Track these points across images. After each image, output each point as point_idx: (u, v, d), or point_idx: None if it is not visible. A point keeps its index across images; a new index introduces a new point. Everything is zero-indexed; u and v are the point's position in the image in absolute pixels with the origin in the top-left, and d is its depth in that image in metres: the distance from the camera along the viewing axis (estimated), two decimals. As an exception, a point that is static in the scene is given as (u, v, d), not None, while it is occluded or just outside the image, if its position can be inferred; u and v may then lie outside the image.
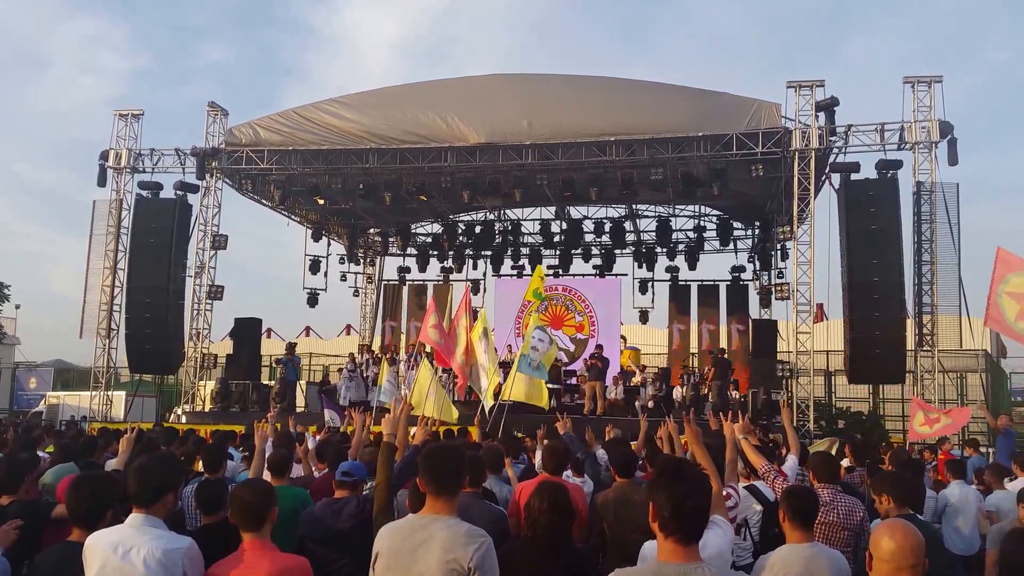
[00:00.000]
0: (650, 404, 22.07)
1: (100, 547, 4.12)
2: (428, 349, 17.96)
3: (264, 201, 26.63)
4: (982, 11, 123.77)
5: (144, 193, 25.25)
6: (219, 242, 25.14)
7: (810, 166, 21.08)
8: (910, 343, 20.80)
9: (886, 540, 3.35)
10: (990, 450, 15.25)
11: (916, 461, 10.86)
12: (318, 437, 11.76)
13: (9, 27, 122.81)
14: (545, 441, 8.70)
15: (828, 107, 21.11)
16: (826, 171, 21.72)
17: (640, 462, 7.84)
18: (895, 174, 21.00)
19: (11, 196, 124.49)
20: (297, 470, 8.14)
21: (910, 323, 20.93)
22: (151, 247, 24.56)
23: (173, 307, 24.79)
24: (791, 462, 7.88)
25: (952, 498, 9.46)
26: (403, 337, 31.28)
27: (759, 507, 6.88)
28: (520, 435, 12.42)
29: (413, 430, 6.71)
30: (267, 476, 6.50)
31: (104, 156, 25.08)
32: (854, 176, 21.24)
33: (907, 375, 20.98)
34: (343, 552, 5.40)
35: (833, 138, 21.25)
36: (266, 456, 6.88)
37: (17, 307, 41.68)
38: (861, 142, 21.39)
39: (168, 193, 25.20)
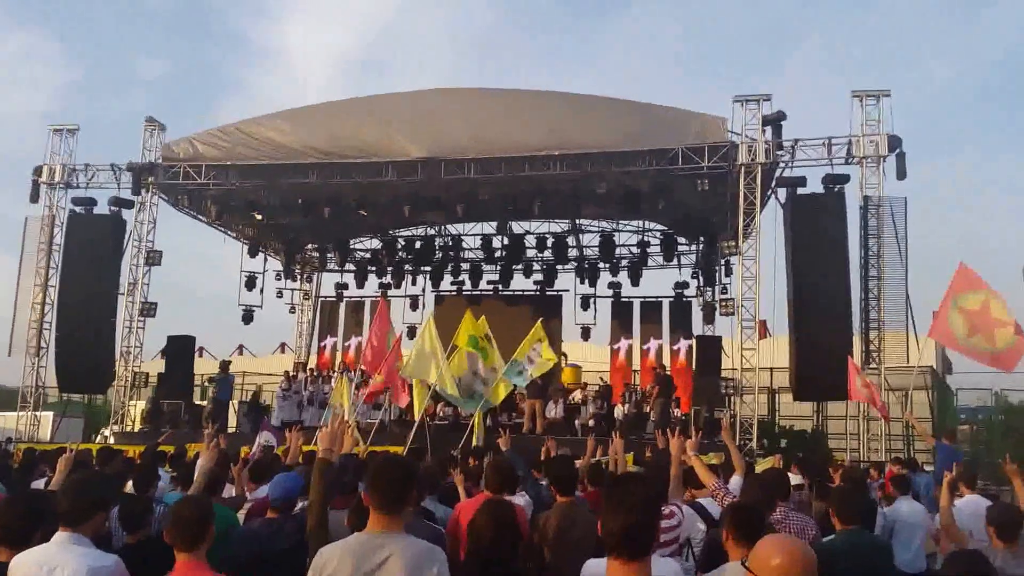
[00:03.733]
0: (591, 423, 21.71)
1: (25, 567, 4.07)
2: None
3: (200, 217, 25.99)
4: (929, 28, 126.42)
5: (78, 209, 24.67)
6: (153, 258, 24.57)
7: (756, 180, 20.93)
8: (856, 360, 20.60)
9: (777, 559, 2.94)
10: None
11: (861, 479, 10.70)
12: (250, 457, 11.38)
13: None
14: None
15: (775, 121, 21.00)
16: (772, 185, 21.60)
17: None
18: (842, 188, 20.97)
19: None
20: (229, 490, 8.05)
21: (856, 340, 20.81)
22: (83, 263, 24.05)
23: (104, 325, 24.19)
24: (735, 482, 7.66)
25: (901, 514, 9.34)
26: (337, 355, 30.87)
27: (703, 526, 6.64)
28: (456, 454, 12.04)
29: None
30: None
31: (37, 171, 24.47)
32: (800, 190, 21.17)
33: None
34: (282, 572, 5.22)
35: (780, 152, 21.12)
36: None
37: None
38: (808, 156, 21.30)
39: (102, 209, 24.67)
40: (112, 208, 24.51)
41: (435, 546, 4.01)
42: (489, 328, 14.76)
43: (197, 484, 6.68)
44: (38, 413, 25.12)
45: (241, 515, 6.84)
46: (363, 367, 17.37)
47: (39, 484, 7.89)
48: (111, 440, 21.93)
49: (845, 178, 21.03)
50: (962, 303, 12.95)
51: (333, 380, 19.78)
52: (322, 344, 32.07)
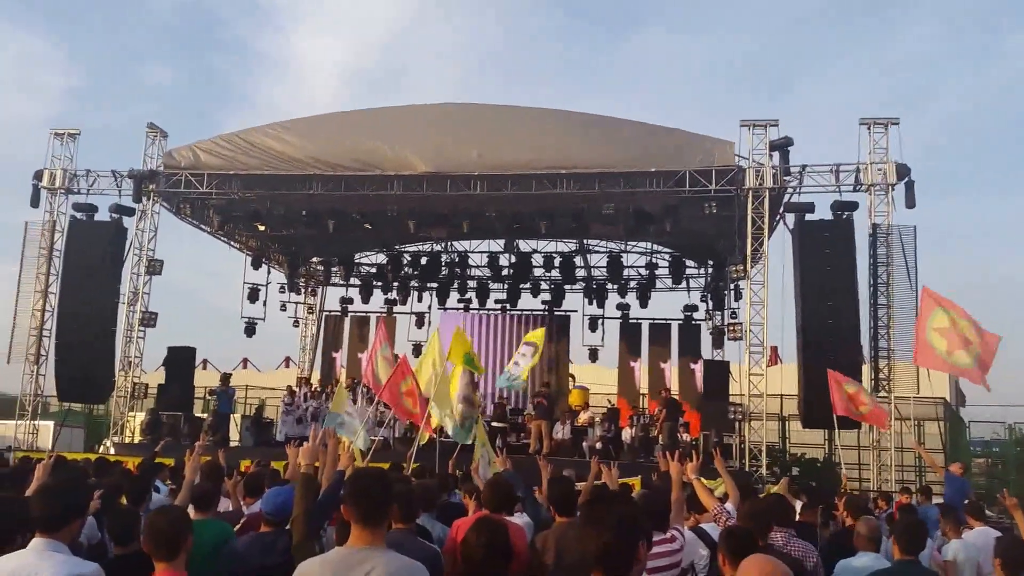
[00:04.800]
0: (598, 445, 21.44)
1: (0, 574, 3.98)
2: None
3: (203, 226, 25.81)
4: (940, 57, 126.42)
5: (78, 215, 24.38)
6: (154, 267, 24.28)
7: (764, 205, 20.75)
8: (865, 386, 20.31)
9: None
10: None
11: (865, 507, 10.46)
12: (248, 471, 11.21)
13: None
14: None
15: (782, 147, 20.84)
16: (780, 211, 21.42)
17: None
18: (850, 215, 20.77)
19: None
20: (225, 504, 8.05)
21: (866, 368, 20.54)
22: (84, 271, 23.71)
23: (105, 334, 23.88)
24: (729, 508, 7.47)
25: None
26: (342, 371, 30.54)
27: (705, 552, 6.57)
28: (460, 473, 11.78)
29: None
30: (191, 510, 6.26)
31: (38, 176, 24.14)
32: (808, 217, 20.94)
33: (863, 421, 20.48)
34: None
35: (787, 178, 20.96)
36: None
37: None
38: (816, 183, 21.11)
39: (103, 216, 24.36)
40: (113, 215, 24.22)
41: (418, 563, 3.97)
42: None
43: (182, 497, 6.56)
44: (37, 422, 24.78)
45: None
46: (367, 385, 17.13)
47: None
48: (112, 451, 21.68)
49: (854, 205, 20.86)
50: (934, 324, 13.06)
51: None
52: (328, 359, 31.84)
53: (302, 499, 4.93)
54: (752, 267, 21.20)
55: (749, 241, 20.83)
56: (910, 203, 20.40)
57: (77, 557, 4.17)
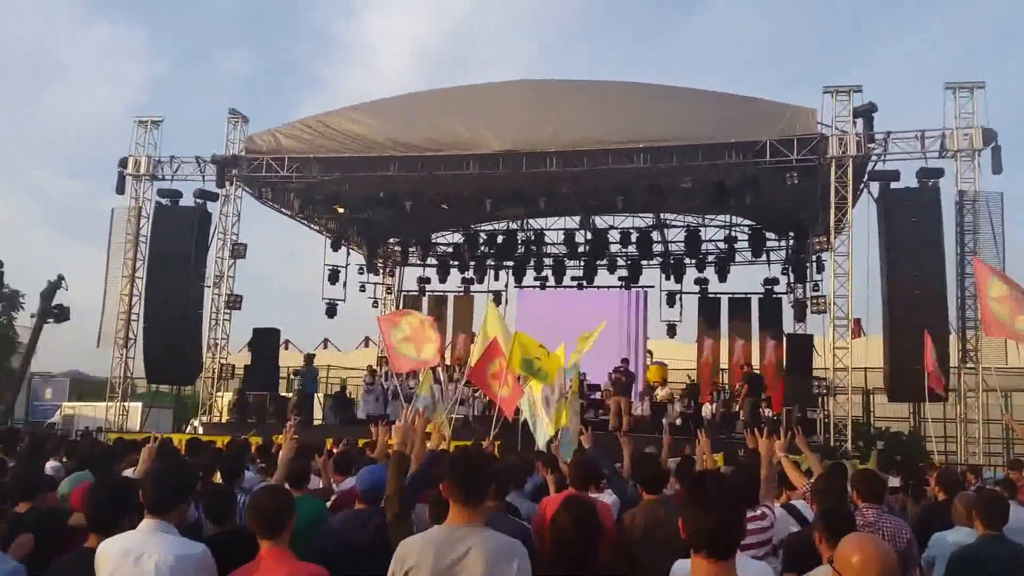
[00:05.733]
0: (678, 421, 21.31)
1: (112, 553, 4.10)
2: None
3: (284, 210, 26.19)
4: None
5: (163, 201, 24.83)
6: (238, 251, 24.80)
7: (847, 174, 20.32)
8: (953, 360, 19.87)
9: (856, 557, 3.25)
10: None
11: (957, 482, 10.23)
12: (335, 450, 11.33)
13: (27, 34, 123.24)
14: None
15: (866, 113, 20.33)
16: (864, 179, 20.92)
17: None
18: (936, 183, 20.19)
19: (27, 204, 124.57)
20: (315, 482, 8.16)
21: (953, 339, 20.05)
22: (170, 256, 24.18)
23: (191, 317, 24.35)
24: None
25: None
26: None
27: (796, 528, 6.44)
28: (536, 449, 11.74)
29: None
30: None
31: (123, 163, 24.60)
32: (894, 185, 20.42)
33: (950, 393, 19.96)
34: (368, 564, 5.07)
35: (871, 145, 20.48)
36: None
37: (32, 316, 41.22)
38: (901, 149, 20.54)
39: (187, 201, 24.79)
40: (197, 200, 24.63)
41: (516, 540, 4.01)
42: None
43: (279, 475, 6.76)
44: (127, 404, 25.40)
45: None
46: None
47: (129, 472, 7.81)
48: (200, 431, 22.16)
49: (940, 172, 20.27)
50: (992, 293, 13.06)
51: (420, 373, 19.78)
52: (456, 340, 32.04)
53: (395, 477, 4.99)
54: (836, 238, 20.76)
55: (832, 211, 20.44)
56: (997, 169, 19.77)
57: (185, 538, 4.28)
